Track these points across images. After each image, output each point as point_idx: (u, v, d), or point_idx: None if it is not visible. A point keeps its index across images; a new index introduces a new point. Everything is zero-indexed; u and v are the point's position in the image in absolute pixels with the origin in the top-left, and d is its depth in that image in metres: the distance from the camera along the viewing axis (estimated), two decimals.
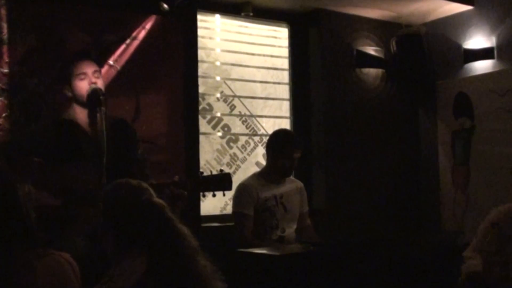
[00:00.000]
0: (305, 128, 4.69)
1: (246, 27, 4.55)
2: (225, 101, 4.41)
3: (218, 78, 4.39)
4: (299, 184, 3.85)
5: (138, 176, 2.44)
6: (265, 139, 4.30)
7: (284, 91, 4.72)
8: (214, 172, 2.82)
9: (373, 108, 4.85)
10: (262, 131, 4.56)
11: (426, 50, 4.74)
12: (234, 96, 4.45)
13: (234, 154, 4.43)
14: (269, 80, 4.66)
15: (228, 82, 4.43)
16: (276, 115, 4.67)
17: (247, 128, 4.51)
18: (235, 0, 4.30)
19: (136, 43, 3.81)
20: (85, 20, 3.63)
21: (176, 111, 3.96)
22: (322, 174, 4.60)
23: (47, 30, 3.49)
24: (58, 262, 1.83)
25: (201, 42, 4.23)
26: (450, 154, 4.81)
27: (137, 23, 3.83)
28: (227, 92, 4.42)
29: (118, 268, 1.88)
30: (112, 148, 2.65)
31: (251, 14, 4.36)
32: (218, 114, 4.37)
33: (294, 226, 3.73)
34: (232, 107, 4.44)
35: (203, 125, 4.26)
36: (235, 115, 4.45)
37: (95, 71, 2.84)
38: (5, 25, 3.34)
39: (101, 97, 2.73)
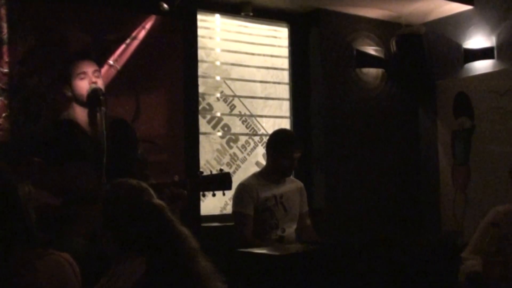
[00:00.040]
0: (305, 128, 4.69)
1: (246, 27, 4.55)
2: (225, 101, 4.41)
3: (218, 78, 4.39)
4: (299, 184, 3.84)
5: (138, 176, 2.43)
6: (265, 139, 4.31)
7: (284, 91, 4.73)
8: (214, 172, 2.82)
9: (373, 108, 4.85)
10: (262, 131, 4.56)
11: (426, 50, 4.74)
12: (234, 96, 4.45)
13: (234, 154, 4.43)
14: (269, 80, 4.66)
15: (228, 82, 4.43)
16: (276, 115, 4.67)
17: (247, 128, 4.51)
18: (235, 0, 4.30)
19: (136, 43, 3.81)
20: (85, 20, 3.63)
21: (176, 111, 3.96)
22: (322, 174, 4.60)
23: (47, 30, 3.49)
24: (58, 262, 1.83)
25: (201, 42, 4.23)
26: (450, 154, 4.81)
27: (137, 23, 3.83)
28: (227, 92, 4.42)
29: (118, 269, 1.88)
30: (112, 148, 2.64)
31: (251, 14, 4.36)
32: (218, 114, 4.37)
33: (294, 226, 3.73)
34: (232, 107, 4.44)
35: (203, 125, 4.26)
36: (235, 115, 4.46)
37: (95, 71, 2.84)
38: (5, 25, 3.34)
39: (101, 97, 2.73)
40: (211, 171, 2.89)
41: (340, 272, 3.03)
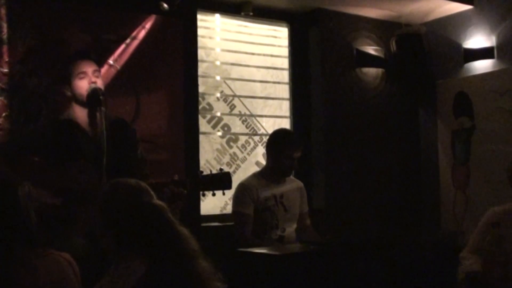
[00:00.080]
0: (305, 127, 4.69)
1: (246, 26, 4.55)
2: (225, 100, 4.41)
3: (218, 78, 4.39)
4: (299, 184, 3.85)
5: (137, 175, 2.43)
6: (265, 138, 4.31)
7: (284, 91, 4.72)
8: (214, 171, 2.82)
9: (373, 107, 4.85)
10: (262, 131, 4.56)
11: (426, 49, 4.74)
12: (234, 95, 4.45)
13: (234, 153, 4.43)
14: (269, 79, 4.66)
15: (228, 82, 4.43)
16: (276, 115, 4.66)
17: (247, 127, 4.51)
18: (235, 0, 4.30)
19: (136, 42, 3.81)
20: (85, 19, 3.63)
21: (176, 111, 3.96)
22: (322, 174, 4.59)
23: (47, 29, 3.49)
24: (58, 261, 1.83)
25: (201, 41, 4.22)
26: (450, 154, 4.81)
27: (137, 22, 3.83)
28: (227, 91, 4.42)
29: (118, 269, 1.88)
30: (112, 148, 2.64)
31: (251, 13, 4.35)
32: (218, 114, 4.37)
33: (294, 226, 3.73)
34: (232, 107, 4.44)
35: (203, 125, 4.26)
36: (235, 114, 4.45)
37: (94, 71, 2.84)
38: (5, 25, 3.34)
39: (100, 97, 2.73)
40: (211, 171, 2.90)
41: (340, 272, 3.03)
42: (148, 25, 3.86)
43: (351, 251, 3.19)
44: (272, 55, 4.67)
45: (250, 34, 4.57)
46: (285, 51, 4.74)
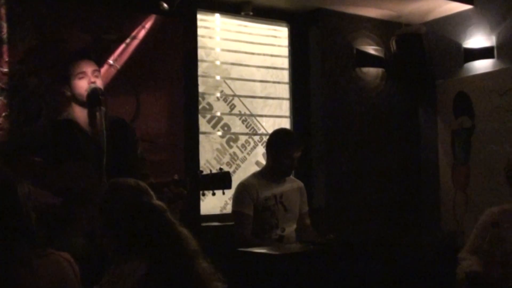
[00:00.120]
0: (305, 127, 4.69)
1: (246, 26, 4.55)
2: (225, 100, 4.41)
3: (218, 78, 4.39)
4: (299, 183, 3.84)
5: (137, 175, 2.44)
6: (265, 138, 4.30)
7: (284, 91, 4.72)
8: (214, 171, 2.82)
9: (373, 107, 4.85)
10: (262, 131, 4.56)
11: (426, 49, 4.73)
12: (234, 95, 4.45)
13: (234, 153, 4.43)
14: (269, 79, 4.66)
15: (228, 82, 4.43)
16: (276, 115, 4.66)
17: (247, 127, 4.51)
18: (235, 0, 4.30)
19: (136, 42, 3.81)
20: (85, 19, 3.63)
21: (176, 111, 3.96)
22: (322, 174, 4.59)
23: (47, 29, 3.49)
24: (58, 261, 1.83)
25: (201, 41, 4.22)
26: (450, 154, 4.81)
27: (137, 22, 3.83)
28: (227, 91, 4.42)
29: (118, 269, 1.88)
30: (112, 148, 2.64)
31: (251, 13, 4.35)
32: (218, 114, 4.37)
33: (294, 226, 3.73)
34: (232, 107, 4.44)
35: (203, 125, 4.26)
36: (235, 114, 4.45)
37: (94, 71, 2.84)
38: (5, 25, 3.34)
39: (100, 97, 2.72)
40: (210, 171, 2.90)
41: (340, 272, 3.03)
42: (148, 24, 3.85)
43: (351, 251, 3.19)
44: (272, 55, 4.67)
45: (250, 34, 4.57)
46: (285, 51, 4.74)
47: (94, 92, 2.73)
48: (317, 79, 4.66)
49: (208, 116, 4.32)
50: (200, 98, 4.21)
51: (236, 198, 3.62)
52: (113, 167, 2.60)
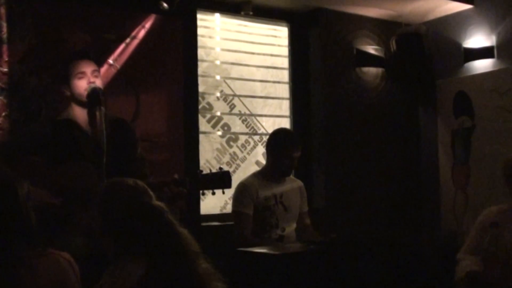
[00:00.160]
0: (305, 127, 4.69)
1: (246, 26, 4.55)
2: (225, 100, 4.41)
3: (218, 77, 4.39)
4: (299, 183, 3.84)
5: (137, 175, 2.43)
6: (265, 138, 4.30)
7: (284, 90, 4.72)
8: (214, 171, 2.81)
9: (373, 107, 4.85)
10: (262, 130, 4.56)
11: (426, 49, 4.73)
12: (234, 95, 4.45)
13: (234, 153, 4.43)
14: (269, 79, 4.66)
15: (228, 81, 4.43)
16: (276, 114, 4.66)
17: (247, 127, 4.51)
18: None
19: (136, 42, 3.81)
20: (85, 19, 3.63)
21: (176, 110, 3.96)
22: (322, 174, 4.59)
23: (47, 29, 3.49)
24: (58, 261, 1.83)
25: (201, 41, 4.22)
26: (450, 154, 4.80)
27: (137, 22, 3.83)
28: (227, 91, 4.42)
29: (118, 269, 1.87)
30: (112, 147, 2.64)
31: (251, 13, 4.35)
32: (218, 113, 4.37)
33: (294, 225, 3.72)
34: (232, 106, 4.44)
35: (203, 124, 4.26)
36: (235, 114, 4.45)
37: (94, 71, 2.84)
38: (4, 24, 3.34)
39: (100, 96, 2.72)
40: (210, 170, 2.89)
41: (340, 271, 3.03)
42: (148, 24, 3.85)
43: (351, 250, 3.19)
44: (272, 55, 4.67)
45: (250, 33, 4.57)
46: (285, 51, 4.74)
47: (94, 92, 2.73)
48: (317, 79, 4.66)
49: (208, 115, 4.32)
50: (200, 98, 4.21)
51: (236, 198, 3.62)
52: (113, 167, 2.59)
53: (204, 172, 2.80)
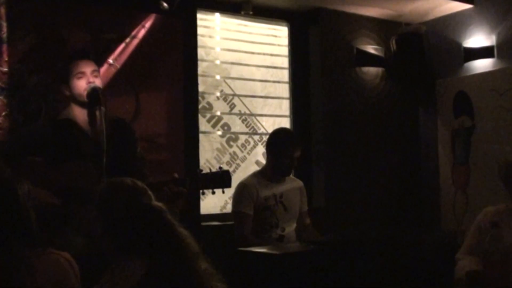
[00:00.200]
0: (305, 126, 4.69)
1: (246, 25, 4.55)
2: (225, 99, 4.41)
3: (218, 77, 4.39)
4: (299, 183, 3.84)
5: (137, 175, 2.43)
6: (265, 138, 4.30)
7: (284, 90, 4.72)
8: (213, 170, 2.81)
9: (373, 107, 4.85)
10: (262, 130, 4.56)
11: (426, 49, 4.73)
12: (234, 95, 4.45)
13: (234, 153, 4.43)
14: (269, 78, 4.66)
15: (228, 81, 4.43)
16: (276, 114, 4.66)
17: (247, 127, 4.51)
18: None
19: (135, 41, 3.80)
20: (85, 18, 3.63)
21: (175, 110, 3.96)
22: (321, 173, 4.59)
23: (47, 28, 3.49)
24: (58, 261, 1.83)
25: (200, 40, 4.22)
26: (450, 154, 4.80)
27: (137, 21, 3.82)
28: (227, 91, 4.42)
29: (118, 270, 1.87)
30: (112, 147, 2.64)
31: (251, 12, 4.35)
32: (218, 113, 4.37)
33: (294, 225, 3.73)
34: (232, 106, 4.44)
35: (203, 124, 4.25)
36: (235, 114, 4.45)
37: (93, 71, 2.83)
38: (4, 24, 3.34)
39: (100, 96, 2.72)
40: (210, 170, 2.90)
41: (340, 271, 3.03)
42: (148, 24, 3.85)
43: (351, 250, 3.19)
44: (272, 54, 4.67)
45: (250, 33, 4.57)
46: (285, 50, 4.73)
47: (93, 92, 2.73)
48: (317, 79, 4.66)
49: (208, 115, 4.32)
50: (200, 98, 4.21)
51: (236, 198, 3.62)
52: (112, 167, 2.60)
53: (204, 171, 2.80)
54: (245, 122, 4.50)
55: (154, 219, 1.91)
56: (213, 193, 2.77)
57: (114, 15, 3.74)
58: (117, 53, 3.72)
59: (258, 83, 4.60)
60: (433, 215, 4.92)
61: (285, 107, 4.71)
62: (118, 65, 3.72)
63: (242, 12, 4.35)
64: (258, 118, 4.56)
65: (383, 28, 4.91)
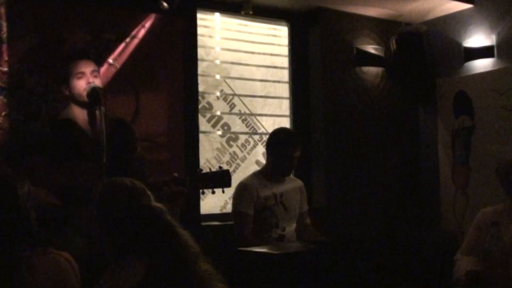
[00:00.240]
0: (305, 126, 4.69)
1: (246, 25, 4.55)
2: (225, 99, 4.41)
3: (218, 77, 4.39)
4: (299, 183, 3.84)
5: (137, 175, 2.43)
6: (265, 137, 4.30)
7: (284, 90, 4.72)
8: (213, 170, 2.82)
9: (373, 106, 4.85)
10: (262, 130, 4.56)
11: (426, 48, 4.73)
12: (234, 94, 4.45)
13: (234, 152, 4.43)
14: (269, 78, 4.65)
15: (228, 81, 4.43)
16: (276, 114, 4.66)
17: (247, 126, 4.50)
18: None
19: (135, 41, 3.80)
20: (85, 18, 3.63)
21: (176, 110, 3.96)
22: (321, 173, 4.59)
23: (47, 28, 3.49)
24: (58, 261, 1.83)
25: (201, 40, 4.22)
26: (450, 154, 4.80)
27: (137, 21, 3.82)
28: (227, 90, 4.42)
29: (118, 270, 1.87)
30: (111, 147, 2.64)
31: (251, 12, 4.35)
32: (218, 113, 4.37)
33: (294, 225, 3.73)
34: (232, 106, 4.44)
35: (203, 124, 4.25)
36: (235, 113, 4.45)
37: (93, 71, 2.84)
38: (4, 24, 3.34)
39: (100, 96, 2.72)
40: (210, 169, 2.90)
41: (339, 271, 3.03)
42: (148, 24, 3.85)
43: (351, 250, 3.19)
44: (272, 54, 4.67)
45: (250, 33, 4.57)
46: (285, 50, 4.73)
47: (93, 92, 2.73)
48: (317, 78, 4.66)
49: (208, 115, 4.32)
50: (200, 97, 4.21)
51: (236, 198, 3.62)
52: (112, 167, 2.60)
53: (204, 171, 2.80)
54: (245, 122, 4.49)
55: (153, 220, 1.91)
56: (213, 192, 2.78)
57: (114, 15, 3.74)
58: (117, 53, 3.72)
59: (258, 83, 4.59)
60: (433, 215, 4.92)
61: (285, 107, 4.71)
62: (118, 65, 3.72)
63: (242, 12, 4.34)
64: (258, 118, 4.56)
65: (383, 28, 4.91)
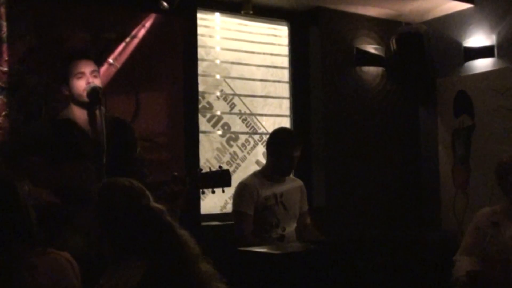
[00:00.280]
0: (305, 126, 4.69)
1: (246, 25, 4.55)
2: (225, 99, 4.41)
3: (218, 77, 4.39)
4: (299, 183, 3.84)
5: (136, 174, 2.43)
6: (265, 137, 4.30)
7: (284, 90, 4.72)
8: (213, 169, 2.81)
9: (373, 106, 4.85)
10: (262, 130, 4.56)
11: (426, 48, 4.73)
12: (234, 94, 4.45)
13: (234, 152, 4.43)
14: (269, 78, 4.65)
15: (228, 81, 4.43)
16: (276, 114, 4.66)
17: (247, 126, 4.51)
18: None
19: (135, 41, 3.80)
20: (85, 18, 3.63)
21: (176, 110, 3.96)
22: (322, 173, 4.59)
23: (47, 28, 3.49)
24: (58, 260, 1.83)
25: (201, 40, 4.22)
26: (450, 153, 4.80)
27: (137, 21, 3.83)
28: (227, 90, 4.42)
29: (117, 272, 1.87)
30: (111, 147, 2.64)
31: (251, 12, 4.34)
32: (218, 113, 4.37)
33: (294, 225, 3.73)
34: (232, 106, 4.43)
35: (203, 124, 4.25)
36: (235, 113, 4.45)
37: (93, 71, 2.83)
38: (4, 24, 3.34)
39: (100, 96, 2.72)
40: (210, 169, 2.89)
41: (340, 271, 3.03)
42: (148, 23, 3.85)
43: (351, 250, 3.19)
44: (272, 54, 4.67)
45: (250, 32, 4.57)
46: (285, 50, 4.73)
47: (93, 92, 2.73)
48: (317, 78, 4.66)
49: (208, 115, 4.32)
50: (200, 97, 4.21)
51: (237, 198, 3.62)
52: (112, 167, 2.60)
53: (204, 171, 2.80)
54: (245, 122, 4.49)
55: (152, 220, 1.91)
56: (213, 192, 2.77)
57: (114, 14, 3.74)
58: (117, 53, 3.72)
59: (258, 83, 4.59)
60: (433, 215, 4.92)
61: (285, 106, 4.71)
62: (118, 65, 3.72)
63: (242, 12, 4.34)
64: (258, 117, 4.56)
65: (383, 28, 4.91)
